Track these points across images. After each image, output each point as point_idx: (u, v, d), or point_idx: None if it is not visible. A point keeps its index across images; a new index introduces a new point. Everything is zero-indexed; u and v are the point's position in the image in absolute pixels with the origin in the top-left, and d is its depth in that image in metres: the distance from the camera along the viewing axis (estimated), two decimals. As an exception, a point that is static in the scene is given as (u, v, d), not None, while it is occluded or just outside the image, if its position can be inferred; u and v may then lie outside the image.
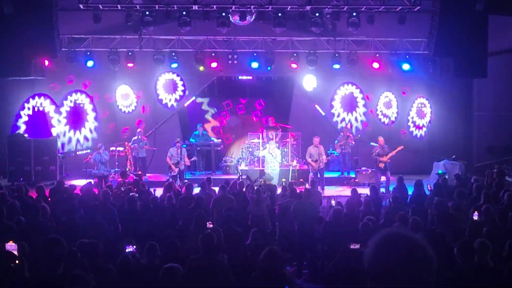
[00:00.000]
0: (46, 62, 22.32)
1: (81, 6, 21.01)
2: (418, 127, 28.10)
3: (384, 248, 3.44)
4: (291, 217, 14.63)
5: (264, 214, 15.44)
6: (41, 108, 26.14)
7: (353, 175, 24.26)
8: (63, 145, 26.19)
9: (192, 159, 23.19)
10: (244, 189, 17.12)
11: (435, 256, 3.42)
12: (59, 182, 17.85)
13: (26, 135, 25.07)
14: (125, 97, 26.79)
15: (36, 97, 26.18)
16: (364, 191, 19.09)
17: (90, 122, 26.75)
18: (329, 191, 22.09)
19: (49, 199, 15.78)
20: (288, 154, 24.38)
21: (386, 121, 27.85)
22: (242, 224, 13.72)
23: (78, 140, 26.70)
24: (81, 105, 26.57)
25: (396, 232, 3.51)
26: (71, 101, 26.48)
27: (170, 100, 27.04)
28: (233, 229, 12.03)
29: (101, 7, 21.51)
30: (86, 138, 26.74)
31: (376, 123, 27.78)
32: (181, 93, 27.00)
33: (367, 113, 27.83)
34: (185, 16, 21.71)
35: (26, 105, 26.15)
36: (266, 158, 22.58)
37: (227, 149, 27.15)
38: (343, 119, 27.69)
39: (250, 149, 24.82)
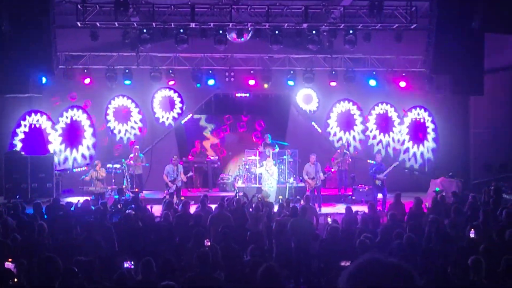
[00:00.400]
0: (44, 79, 22.32)
1: (78, 23, 21.05)
2: (418, 140, 28.03)
3: (360, 274, 3.39)
4: (288, 234, 14.62)
5: (262, 231, 15.43)
6: (37, 125, 26.10)
7: (350, 193, 24.25)
8: (59, 162, 26.12)
9: (189, 174, 23.15)
10: (241, 206, 17.10)
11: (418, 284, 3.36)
12: (55, 200, 17.83)
13: (22, 152, 25.04)
14: (124, 114, 26.80)
15: (33, 114, 26.17)
16: (361, 208, 19.13)
17: (88, 139, 26.72)
18: (326, 208, 22.05)
19: (46, 216, 15.74)
20: (285, 171, 24.38)
21: (381, 138, 27.84)
22: (239, 241, 13.70)
23: (75, 159, 26.65)
24: (78, 121, 26.55)
25: (376, 259, 3.44)
26: (67, 117, 26.45)
27: (167, 118, 27.03)
28: (230, 246, 12.01)
29: (98, 25, 21.54)
30: (83, 156, 26.69)
31: (370, 139, 27.82)
32: (179, 111, 27.00)
33: (364, 130, 27.84)
34: (182, 33, 21.75)
35: (22, 122, 26.15)
36: (263, 175, 22.56)
37: (224, 166, 27.14)
38: (340, 138, 27.67)
39: (247, 166, 24.81)
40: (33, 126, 26.07)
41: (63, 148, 26.56)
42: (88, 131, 26.70)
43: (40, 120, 26.23)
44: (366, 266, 3.39)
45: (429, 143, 28.01)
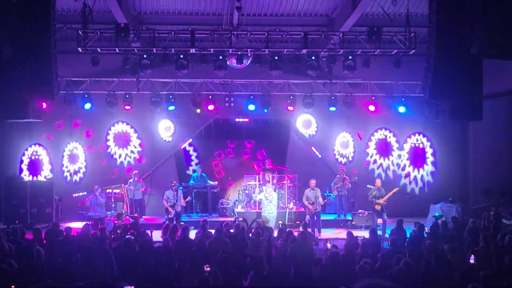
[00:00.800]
0: (44, 105, 22.36)
1: (79, 49, 21.14)
2: (418, 165, 28.11)
3: None
4: (288, 259, 14.61)
5: (262, 256, 15.41)
6: (39, 156, 26.29)
7: (350, 218, 24.23)
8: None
9: (187, 199, 23.15)
10: (241, 231, 17.08)
11: None
12: (54, 225, 17.78)
13: (25, 175, 25.14)
14: (124, 140, 26.91)
15: (35, 145, 26.46)
16: (361, 233, 19.11)
17: (83, 166, 26.82)
18: (326, 233, 22.01)
19: (45, 241, 15.71)
20: (285, 196, 24.38)
21: (382, 162, 27.94)
22: (238, 266, 13.67)
23: (81, 178, 26.76)
24: (77, 148, 26.69)
25: (375, 284, 3.46)
26: (66, 146, 26.65)
27: (166, 141, 27.15)
28: (229, 271, 11.99)
29: (99, 50, 21.63)
30: (80, 179, 26.78)
31: (371, 164, 27.91)
32: (171, 138, 27.16)
33: (362, 160, 27.98)
34: (182, 59, 21.83)
35: (26, 152, 26.34)
36: (263, 201, 22.56)
37: (223, 191, 27.14)
38: (340, 162, 27.80)
39: (247, 191, 24.80)
40: (33, 158, 26.20)
41: (67, 175, 26.67)
42: (82, 158, 26.80)
43: (39, 152, 26.40)
44: None
45: (429, 167, 28.08)
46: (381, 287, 3.45)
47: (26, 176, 25.78)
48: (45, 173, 26.57)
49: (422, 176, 28.10)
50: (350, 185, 24.71)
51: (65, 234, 16.08)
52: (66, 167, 26.72)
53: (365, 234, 18.91)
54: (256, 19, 24.12)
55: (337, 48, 22.45)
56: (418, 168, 28.12)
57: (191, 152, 27.72)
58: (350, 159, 27.99)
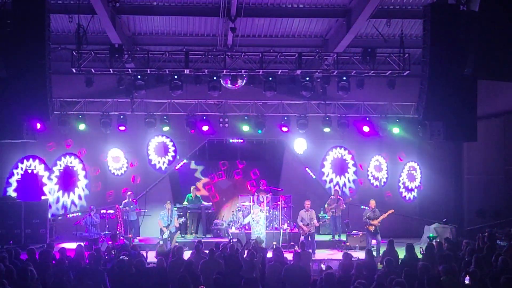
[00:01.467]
0: (38, 125, 22.32)
1: (73, 69, 21.12)
2: (409, 190, 28.16)
3: None
4: (281, 280, 14.57)
5: (257, 278, 15.35)
6: (35, 171, 26.11)
7: (344, 239, 24.18)
8: (50, 205, 25.98)
9: (181, 220, 23.10)
10: (235, 252, 17.02)
11: None
12: (48, 245, 17.71)
13: (15, 195, 25.03)
14: (116, 160, 26.86)
15: (31, 159, 26.31)
16: (355, 254, 19.07)
17: (80, 188, 26.75)
18: (320, 254, 21.96)
19: (39, 261, 15.62)
20: (279, 217, 24.33)
21: (376, 183, 27.95)
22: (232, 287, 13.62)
23: (73, 201, 26.64)
24: (73, 168, 26.63)
25: None
26: (60, 165, 26.55)
27: (160, 162, 27.17)
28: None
29: (93, 71, 21.61)
30: (77, 201, 26.69)
31: (367, 186, 27.86)
32: (171, 158, 27.14)
33: (356, 181, 27.97)
34: (176, 80, 21.82)
35: (15, 171, 26.26)
36: (251, 223, 22.51)
37: (217, 212, 27.09)
38: (332, 180, 27.81)
39: (241, 212, 24.75)
40: (29, 171, 26.05)
41: (59, 192, 26.57)
42: (82, 178, 26.74)
43: (33, 165, 26.28)
44: None
45: (416, 182, 28.17)
46: None
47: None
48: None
49: (415, 197, 28.11)
50: (344, 206, 24.67)
51: (59, 255, 16.01)
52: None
53: (360, 255, 18.88)
54: (250, 40, 24.20)
55: (331, 69, 22.44)
56: (411, 191, 28.17)
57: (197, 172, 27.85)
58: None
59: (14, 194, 25.51)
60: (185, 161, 27.34)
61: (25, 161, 26.36)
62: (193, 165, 27.79)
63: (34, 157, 26.36)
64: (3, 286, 11.79)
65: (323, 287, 13.00)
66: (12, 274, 12.88)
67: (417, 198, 28.13)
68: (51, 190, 26.42)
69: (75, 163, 26.69)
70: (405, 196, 28.19)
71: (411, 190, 28.21)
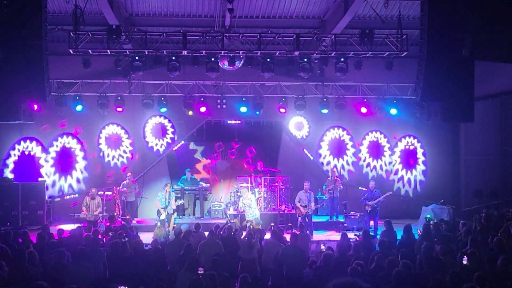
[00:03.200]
0: (35, 106, 22.28)
1: (71, 51, 21.04)
2: (410, 166, 28.16)
3: None
4: (279, 262, 14.61)
5: (255, 258, 15.40)
6: (32, 152, 26.05)
7: (342, 220, 24.23)
8: (47, 187, 25.97)
9: (179, 202, 23.13)
10: (232, 233, 17.05)
11: None
12: (44, 227, 17.71)
13: (12, 176, 24.99)
14: (115, 141, 26.86)
15: (28, 140, 26.27)
16: (353, 235, 19.14)
17: (79, 170, 26.75)
18: (318, 235, 22.03)
19: (36, 243, 15.64)
20: (277, 198, 24.35)
21: (375, 164, 27.99)
22: (230, 268, 13.66)
23: (70, 185, 26.65)
24: (71, 148, 26.61)
25: (346, 281, 3.50)
26: (57, 146, 26.53)
27: (157, 145, 27.17)
28: (220, 274, 11.96)
29: (90, 52, 21.55)
30: (75, 185, 26.69)
31: (364, 167, 27.92)
32: (170, 140, 27.15)
33: (355, 162, 28.00)
34: (174, 61, 21.76)
35: (12, 152, 26.23)
36: (244, 208, 22.50)
37: (215, 193, 27.08)
38: (329, 163, 27.84)
39: (239, 193, 24.76)
40: (26, 152, 25.98)
41: (56, 176, 26.57)
42: (80, 158, 26.73)
43: (30, 147, 26.25)
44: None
45: (421, 166, 28.13)
46: (353, 286, 3.52)
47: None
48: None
49: (415, 177, 28.12)
50: (341, 186, 24.72)
51: (57, 236, 16.04)
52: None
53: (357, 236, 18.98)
54: (248, 21, 24.12)
55: (329, 50, 22.40)
56: (411, 169, 28.15)
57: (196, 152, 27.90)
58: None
59: (11, 176, 25.39)
60: (182, 142, 27.28)
61: (22, 142, 26.33)
62: (192, 146, 27.72)
63: (32, 138, 26.31)
64: (2, 269, 11.79)
65: (321, 268, 13.05)
66: (10, 256, 12.89)
67: (416, 176, 28.19)
68: (48, 172, 26.38)
69: (73, 144, 26.63)
70: (405, 178, 28.23)
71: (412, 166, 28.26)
